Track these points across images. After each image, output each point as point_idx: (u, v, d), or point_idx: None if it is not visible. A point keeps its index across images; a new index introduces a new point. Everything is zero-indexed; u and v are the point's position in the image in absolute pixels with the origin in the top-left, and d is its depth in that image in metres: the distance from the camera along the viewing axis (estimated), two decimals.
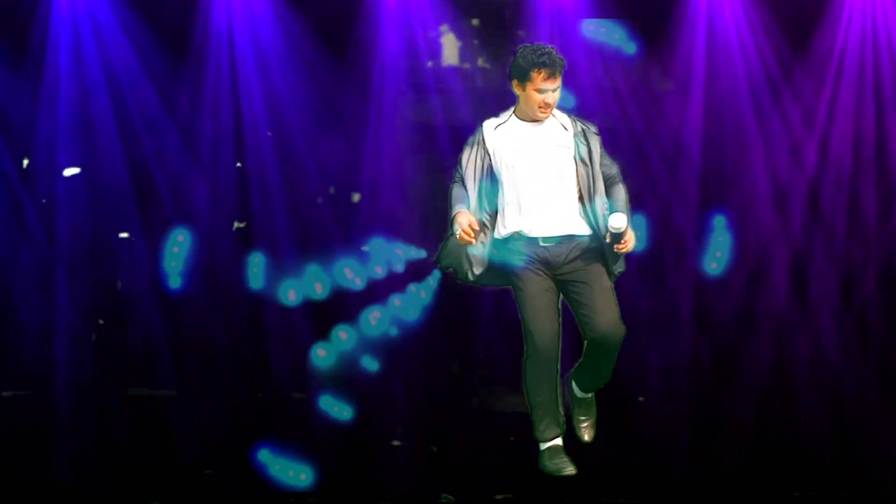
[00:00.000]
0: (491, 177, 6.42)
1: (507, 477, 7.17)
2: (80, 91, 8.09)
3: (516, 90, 6.35)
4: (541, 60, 6.29)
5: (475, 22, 8.50)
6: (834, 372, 8.17)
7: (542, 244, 6.32)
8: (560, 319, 6.32)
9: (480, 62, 8.50)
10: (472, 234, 6.19)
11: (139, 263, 8.16)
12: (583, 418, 6.65)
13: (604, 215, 6.31)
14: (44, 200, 8.09)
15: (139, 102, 8.14)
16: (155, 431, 7.96)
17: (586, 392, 6.66)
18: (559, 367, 6.35)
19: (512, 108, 6.46)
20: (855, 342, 8.20)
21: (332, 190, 8.37)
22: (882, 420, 7.85)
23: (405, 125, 8.45)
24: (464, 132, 8.31)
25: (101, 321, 8.15)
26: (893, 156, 8.27)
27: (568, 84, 8.27)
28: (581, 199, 6.37)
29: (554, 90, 6.31)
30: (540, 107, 6.33)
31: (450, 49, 8.50)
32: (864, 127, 8.24)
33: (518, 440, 7.78)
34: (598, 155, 6.41)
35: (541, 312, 6.34)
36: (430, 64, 8.43)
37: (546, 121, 6.41)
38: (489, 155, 6.40)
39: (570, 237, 6.33)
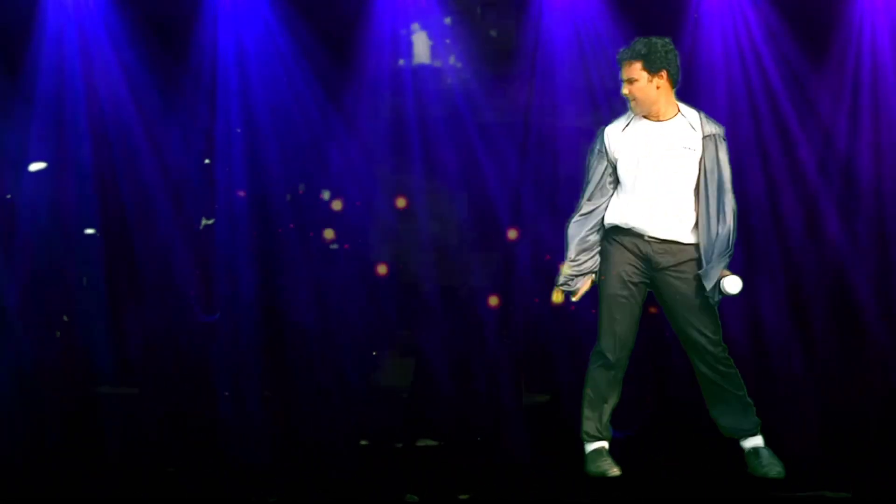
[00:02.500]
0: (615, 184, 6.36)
1: (472, 477, 7.11)
2: (58, 95, 8.06)
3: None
4: (617, 57, 6.31)
5: (447, 20, 8.47)
6: (776, 371, 8.16)
7: (646, 239, 6.26)
8: (636, 327, 6.31)
9: (452, 61, 8.47)
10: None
11: (105, 259, 8.14)
12: (766, 467, 6.40)
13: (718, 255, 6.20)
14: (8, 196, 8.08)
15: (118, 108, 8.12)
16: (118, 429, 7.93)
17: (737, 434, 6.44)
18: (622, 374, 6.34)
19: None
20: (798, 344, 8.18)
21: (301, 188, 8.33)
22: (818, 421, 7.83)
23: (378, 123, 8.41)
24: (434, 130, 8.37)
25: (65, 317, 8.12)
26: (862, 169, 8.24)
27: (546, 84, 8.32)
28: (699, 205, 6.24)
29: (630, 80, 6.24)
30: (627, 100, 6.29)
31: (421, 47, 8.46)
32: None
33: (485, 440, 7.77)
34: (726, 163, 6.27)
35: (615, 314, 6.29)
36: (401, 62, 8.40)
37: (674, 119, 6.28)
38: (611, 163, 6.32)
39: (679, 244, 6.26)
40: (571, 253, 6.36)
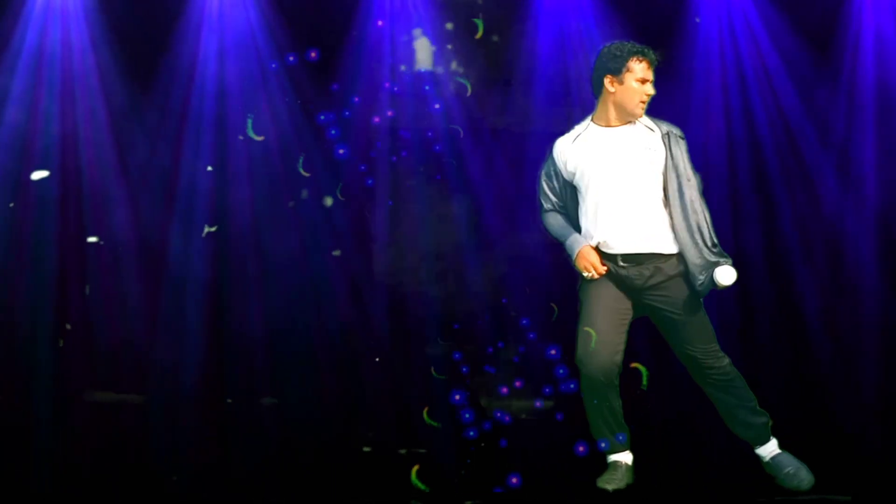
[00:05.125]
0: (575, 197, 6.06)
1: (477, 483, 7.13)
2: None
3: (611, 87, 5.93)
4: (639, 49, 5.92)
5: (449, 26, 8.46)
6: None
7: (621, 263, 5.96)
8: (625, 337, 6.04)
9: (454, 66, 8.46)
10: (599, 272, 5.92)
11: (107, 267, 8.14)
12: (788, 469, 6.17)
13: (704, 251, 5.88)
14: (11, 205, 8.06)
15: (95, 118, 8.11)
16: (121, 437, 7.93)
17: (752, 440, 6.23)
18: (615, 381, 6.08)
19: (588, 119, 6.09)
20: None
21: (304, 194, 8.33)
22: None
23: (379, 130, 8.41)
24: (435, 137, 8.37)
25: (67, 325, 8.12)
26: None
27: (547, 91, 8.33)
28: (669, 210, 5.94)
29: (653, 82, 5.95)
30: (641, 101, 5.92)
31: (423, 53, 8.46)
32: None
33: (487, 446, 7.76)
34: (686, 162, 5.99)
35: (595, 318, 5.98)
36: (402, 68, 8.40)
37: (627, 124, 5.98)
38: (563, 175, 6.05)
39: (654, 255, 5.97)
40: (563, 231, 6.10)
